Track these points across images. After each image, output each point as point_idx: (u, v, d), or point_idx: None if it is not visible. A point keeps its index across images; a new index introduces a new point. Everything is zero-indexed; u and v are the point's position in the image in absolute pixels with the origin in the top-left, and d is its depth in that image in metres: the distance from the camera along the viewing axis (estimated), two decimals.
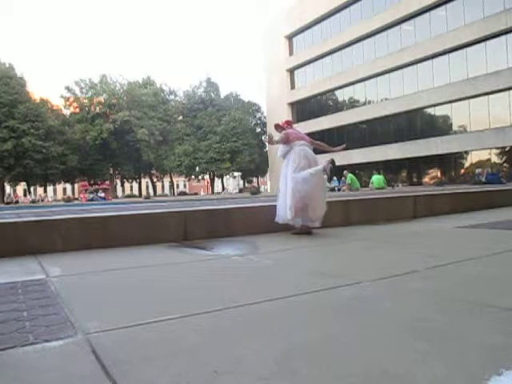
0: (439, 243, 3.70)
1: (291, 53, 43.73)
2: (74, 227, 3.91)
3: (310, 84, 41.25)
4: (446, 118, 30.84)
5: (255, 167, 48.46)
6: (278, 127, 5.03)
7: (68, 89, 44.19)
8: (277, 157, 4.93)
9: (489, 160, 28.00)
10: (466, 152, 29.45)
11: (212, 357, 1.31)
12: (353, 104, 37.93)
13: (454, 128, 30.08)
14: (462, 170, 30.31)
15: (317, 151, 4.91)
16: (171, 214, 4.54)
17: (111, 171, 45.83)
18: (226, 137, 45.17)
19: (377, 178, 20.09)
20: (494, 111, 26.96)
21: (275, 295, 2.03)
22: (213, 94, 49.66)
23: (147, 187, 52.48)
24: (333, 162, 4.49)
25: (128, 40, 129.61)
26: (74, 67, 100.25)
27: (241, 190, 46.94)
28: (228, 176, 55.86)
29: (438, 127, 30.97)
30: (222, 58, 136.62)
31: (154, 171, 50.83)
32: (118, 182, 50.73)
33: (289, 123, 5.13)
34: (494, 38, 26.30)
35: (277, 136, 4.96)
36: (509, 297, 1.90)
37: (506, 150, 27.33)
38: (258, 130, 53.79)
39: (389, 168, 33.78)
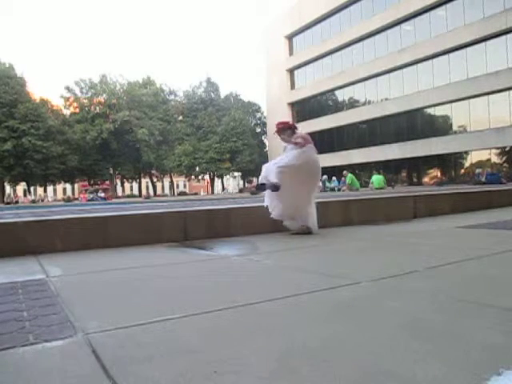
0: (439, 243, 3.69)
1: (291, 53, 43.74)
2: (73, 227, 3.90)
3: (310, 84, 41.27)
4: (445, 118, 30.85)
5: (255, 167, 48.39)
6: (285, 127, 4.73)
7: (68, 89, 44.23)
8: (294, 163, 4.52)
9: (489, 160, 28.02)
10: (466, 152, 29.46)
11: (212, 357, 1.31)
12: (353, 104, 37.93)
13: (454, 128, 30.09)
14: (462, 170, 30.32)
15: (321, 151, 4.89)
16: (171, 214, 4.54)
17: (111, 171, 45.82)
18: (225, 137, 45.17)
19: (377, 178, 20.10)
20: (494, 111, 26.97)
21: (275, 295, 2.03)
22: (213, 94, 49.67)
23: (147, 187, 52.50)
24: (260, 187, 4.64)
25: (128, 40, 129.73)
26: (74, 67, 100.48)
27: (241, 190, 46.95)
28: (228, 176, 55.87)
29: (438, 127, 30.99)
30: (222, 58, 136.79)
31: (154, 171, 50.84)
32: (118, 181, 50.72)
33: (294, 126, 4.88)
34: (493, 38, 26.31)
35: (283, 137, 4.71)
36: (509, 297, 1.90)
37: (506, 149, 27.34)
38: (258, 130, 53.80)
39: (389, 168, 33.79)
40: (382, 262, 2.95)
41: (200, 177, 52.49)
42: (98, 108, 43.95)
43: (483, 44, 26.90)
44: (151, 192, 47.86)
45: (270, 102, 46.14)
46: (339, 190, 20.12)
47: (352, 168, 28.37)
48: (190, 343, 1.44)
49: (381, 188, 18.57)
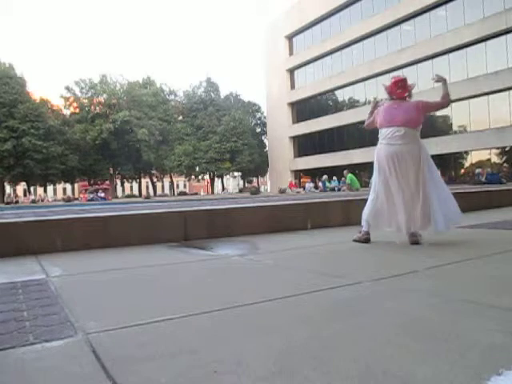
0: (439, 243, 3.69)
1: (291, 53, 43.69)
2: (74, 227, 3.91)
3: (310, 84, 41.22)
4: (445, 118, 30.81)
5: (255, 167, 48.43)
6: (398, 85, 3.71)
7: (68, 89, 44.15)
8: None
9: (489, 160, 27.98)
10: (466, 152, 29.43)
11: (212, 357, 1.31)
12: (353, 104, 37.88)
13: (454, 128, 30.07)
14: (462, 170, 30.29)
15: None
16: (171, 213, 4.55)
17: (111, 171, 45.78)
18: (226, 137, 45.14)
19: None
20: (494, 111, 26.94)
21: (275, 295, 2.03)
22: (213, 94, 49.62)
23: (147, 187, 52.45)
24: None
25: (128, 40, 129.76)
26: (74, 67, 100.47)
27: (241, 190, 46.95)
28: (228, 176, 55.86)
29: (438, 127, 30.96)
30: (222, 58, 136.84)
31: (154, 171, 50.81)
32: (118, 182, 50.69)
33: (405, 90, 3.76)
34: (494, 38, 26.28)
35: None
36: (509, 297, 1.90)
37: (506, 149, 27.31)
38: (258, 129, 53.77)
39: None
40: (382, 261, 2.95)
41: (200, 177, 52.47)
42: (97, 108, 43.87)
43: (483, 44, 26.87)
44: (151, 192, 47.81)
45: (270, 101, 46.07)
46: (339, 189, 20.11)
47: (352, 168, 28.28)
48: (190, 343, 1.44)
49: None
